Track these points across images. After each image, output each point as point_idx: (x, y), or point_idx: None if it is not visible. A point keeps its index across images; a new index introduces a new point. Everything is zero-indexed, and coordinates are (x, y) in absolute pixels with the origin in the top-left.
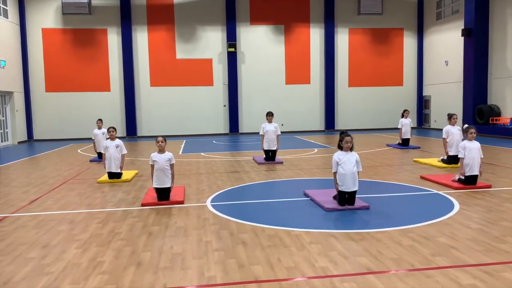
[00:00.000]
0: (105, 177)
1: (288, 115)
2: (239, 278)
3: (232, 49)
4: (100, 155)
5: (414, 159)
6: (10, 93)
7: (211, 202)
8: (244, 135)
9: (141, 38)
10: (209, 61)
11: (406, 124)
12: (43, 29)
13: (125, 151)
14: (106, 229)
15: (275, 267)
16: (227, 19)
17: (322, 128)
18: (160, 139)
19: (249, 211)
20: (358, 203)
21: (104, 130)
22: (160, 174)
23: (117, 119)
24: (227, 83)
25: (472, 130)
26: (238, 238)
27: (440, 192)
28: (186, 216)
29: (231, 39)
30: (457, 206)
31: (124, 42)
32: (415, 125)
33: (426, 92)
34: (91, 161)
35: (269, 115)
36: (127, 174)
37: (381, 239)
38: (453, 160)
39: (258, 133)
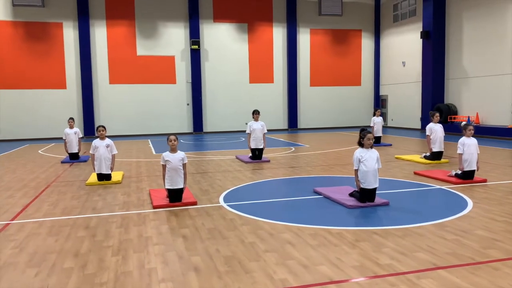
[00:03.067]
0: (93, 178)
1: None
2: (312, 279)
3: (196, 47)
4: (72, 156)
5: (396, 156)
6: None
7: (225, 203)
8: (209, 134)
9: (100, 33)
10: (172, 58)
11: (378, 122)
12: None
13: (115, 151)
14: (132, 234)
15: (342, 267)
16: (190, 15)
17: (286, 127)
18: (172, 137)
19: (269, 210)
20: (377, 199)
21: (77, 129)
22: (173, 174)
23: (74, 118)
24: (190, 81)
25: (471, 127)
26: (280, 238)
27: (443, 187)
28: (208, 217)
29: (194, 36)
30: (468, 200)
31: (81, 37)
32: (372, 124)
33: (383, 91)
34: (62, 162)
35: (256, 113)
36: (116, 176)
37: (423, 234)
38: (436, 156)
39: (223, 132)
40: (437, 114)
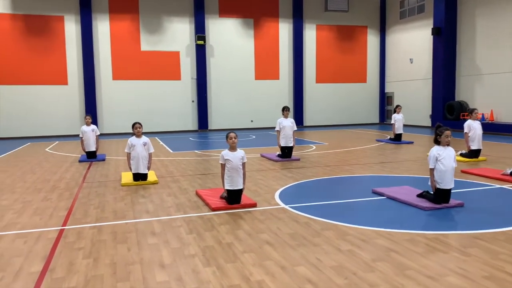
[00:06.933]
0: (126, 178)
1: (257, 111)
2: None
3: (201, 42)
4: (89, 155)
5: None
6: None
7: (286, 204)
8: (214, 132)
9: (102, 27)
10: (176, 54)
11: (399, 120)
12: None
13: (152, 149)
14: (209, 240)
15: (472, 277)
16: (195, 10)
17: None
18: (232, 135)
19: (339, 212)
20: (451, 201)
21: (94, 127)
22: (233, 174)
23: (75, 115)
24: (195, 78)
25: (476, 111)
26: (378, 245)
27: (504, 186)
28: (279, 221)
29: (200, 31)
30: None
31: (83, 31)
32: (378, 121)
33: (388, 89)
34: (80, 161)
35: (286, 110)
36: (150, 176)
37: None
38: (474, 154)
39: (228, 129)
40: (477, 111)
